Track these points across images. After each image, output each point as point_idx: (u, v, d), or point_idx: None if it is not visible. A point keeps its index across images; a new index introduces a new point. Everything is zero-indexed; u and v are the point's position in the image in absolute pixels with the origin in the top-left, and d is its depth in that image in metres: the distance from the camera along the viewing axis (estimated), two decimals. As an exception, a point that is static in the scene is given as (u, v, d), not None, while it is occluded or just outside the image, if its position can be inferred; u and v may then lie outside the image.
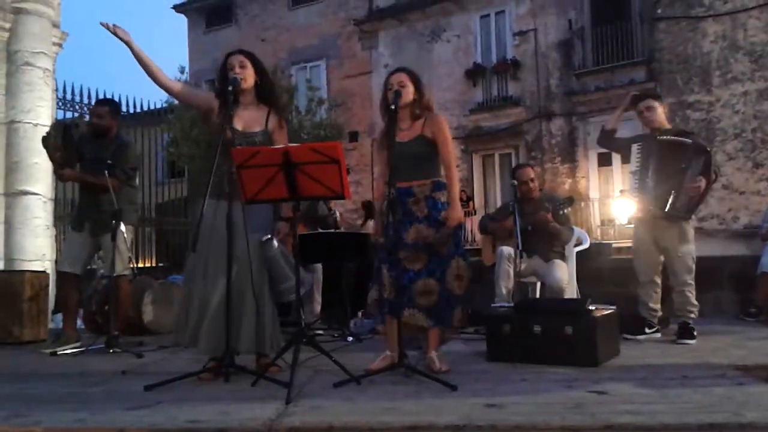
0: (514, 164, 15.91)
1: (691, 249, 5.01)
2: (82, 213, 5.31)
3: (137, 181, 5.66)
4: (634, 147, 5.19)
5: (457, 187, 3.92)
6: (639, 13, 15.26)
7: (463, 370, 3.80)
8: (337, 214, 6.50)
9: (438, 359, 3.81)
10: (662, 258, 5.13)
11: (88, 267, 5.86)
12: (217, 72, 3.98)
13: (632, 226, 5.45)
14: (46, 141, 5.18)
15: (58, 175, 5.32)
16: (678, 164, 4.91)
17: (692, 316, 4.96)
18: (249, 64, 3.83)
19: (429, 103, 4.00)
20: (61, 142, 5.14)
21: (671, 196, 4.89)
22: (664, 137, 5.06)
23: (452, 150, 4.02)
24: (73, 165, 5.23)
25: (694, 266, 5.01)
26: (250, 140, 3.75)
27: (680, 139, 5.03)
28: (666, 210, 4.92)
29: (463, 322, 3.91)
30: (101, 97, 10.32)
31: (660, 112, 5.21)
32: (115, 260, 5.04)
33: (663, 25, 14.41)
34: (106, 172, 4.95)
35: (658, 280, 5.17)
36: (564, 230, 5.46)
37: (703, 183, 4.86)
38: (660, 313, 5.18)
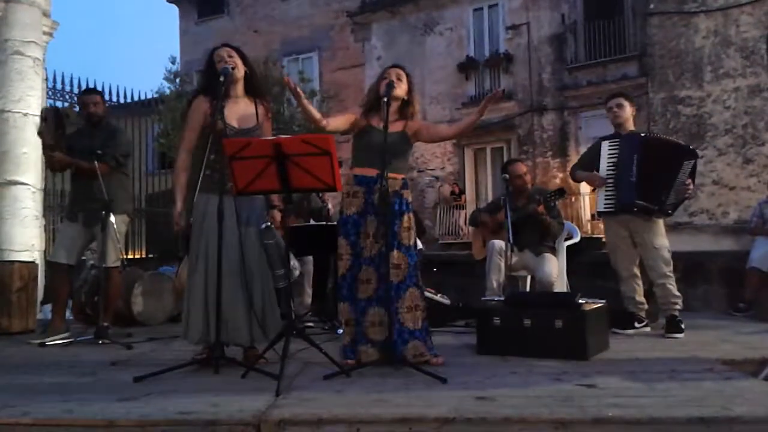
0: (506, 158, 15.97)
1: (666, 242, 5.06)
2: (74, 203, 5.28)
3: (129, 168, 5.61)
4: (606, 144, 5.16)
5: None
6: (631, 8, 15.27)
7: (453, 362, 3.80)
8: (330, 206, 6.50)
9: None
10: (637, 252, 5.15)
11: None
12: (203, 67, 3.96)
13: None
14: (40, 129, 5.13)
15: (49, 158, 5.22)
16: (666, 162, 4.93)
17: (677, 307, 4.98)
18: (237, 56, 3.87)
19: (415, 110, 3.98)
20: (54, 127, 5.09)
21: (663, 193, 4.90)
22: (648, 135, 5.10)
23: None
24: (59, 150, 5.16)
25: (670, 258, 5.04)
26: (249, 136, 3.75)
27: (671, 139, 5.08)
28: (659, 206, 4.93)
29: (420, 358, 3.69)
30: (92, 86, 10.27)
31: (629, 112, 5.21)
32: (107, 251, 5.02)
33: (655, 20, 14.41)
34: (96, 163, 4.92)
35: (638, 272, 5.19)
36: (554, 224, 5.48)
37: (691, 186, 4.95)
38: (647, 306, 5.20)
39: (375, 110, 3.89)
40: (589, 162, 5.29)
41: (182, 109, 13.58)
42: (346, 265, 3.81)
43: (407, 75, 3.95)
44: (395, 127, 3.86)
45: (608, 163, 5.10)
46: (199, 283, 3.66)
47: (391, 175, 3.73)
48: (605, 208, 5.12)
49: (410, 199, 3.91)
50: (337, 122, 3.95)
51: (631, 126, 5.25)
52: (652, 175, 4.92)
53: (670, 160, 4.95)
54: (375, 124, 3.84)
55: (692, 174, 4.96)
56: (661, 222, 5.08)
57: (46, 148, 5.13)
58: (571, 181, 6.43)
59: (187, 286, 3.78)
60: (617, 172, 5.04)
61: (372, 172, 3.75)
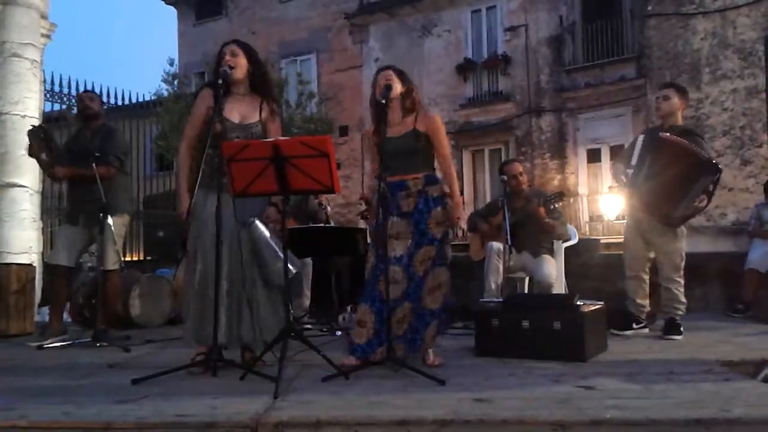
0: (503, 160, 15.97)
1: (680, 247, 4.96)
2: (75, 206, 5.27)
3: (128, 167, 5.60)
4: (641, 138, 5.03)
5: (456, 186, 3.95)
6: (629, 9, 15.31)
7: (452, 364, 3.80)
8: (328, 208, 6.49)
9: (432, 353, 3.84)
10: (651, 254, 5.12)
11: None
12: (212, 64, 3.96)
13: (620, 222, 5.42)
14: (30, 149, 5.12)
15: (51, 175, 5.23)
16: (679, 170, 4.70)
17: (679, 313, 4.94)
18: (241, 53, 3.82)
19: (418, 97, 3.99)
20: (44, 142, 5.09)
21: (670, 204, 4.76)
22: (666, 135, 4.81)
23: (448, 151, 4.03)
24: (60, 162, 5.16)
25: (682, 264, 4.97)
26: (248, 132, 3.76)
27: (693, 148, 4.72)
28: (661, 217, 4.84)
29: (436, 339, 3.89)
30: (90, 88, 10.28)
31: (674, 104, 5.04)
32: (107, 254, 5.01)
33: (653, 22, 14.44)
34: (94, 164, 4.91)
35: (645, 276, 5.14)
36: (558, 225, 5.46)
37: (705, 203, 4.75)
38: (647, 309, 5.19)
39: (383, 120, 3.89)
40: (628, 154, 5.13)
41: (180, 111, 13.62)
42: (370, 266, 3.89)
43: (395, 70, 3.95)
44: (405, 126, 3.89)
45: (635, 160, 4.95)
46: (190, 283, 3.68)
47: (410, 177, 3.84)
48: (624, 206, 5.08)
49: (436, 194, 3.87)
50: (371, 155, 4.01)
51: (676, 120, 5.06)
52: (661, 181, 4.75)
53: (687, 171, 4.70)
54: (387, 133, 3.85)
55: (713, 188, 4.75)
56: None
57: (46, 167, 5.13)
58: (569, 184, 6.40)
59: (186, 285, 3.77)
60: (634, 171, 4.93)
61: (393, 178, 3.76)
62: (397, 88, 3.88)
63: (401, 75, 3.95)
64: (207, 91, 3.86)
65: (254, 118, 3.84)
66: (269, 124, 3.89)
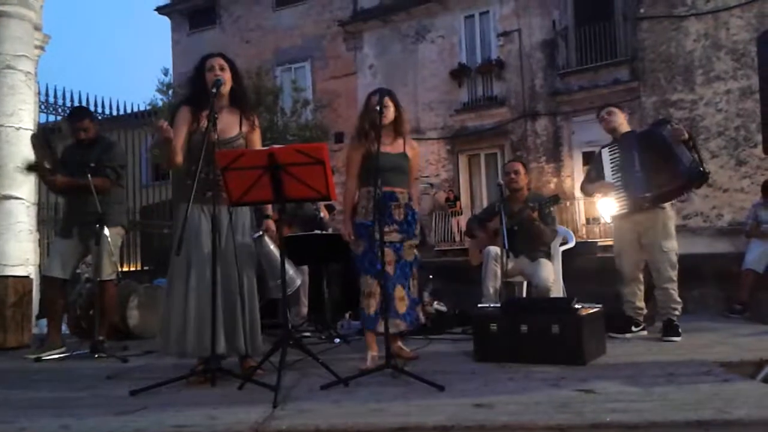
0: (500, 164, 16.02)
1: (675, 245, 5.03)
2: (69, 219, 5.25)
3: (124, 180, 5.58)
4: (605, 150, 5.21)
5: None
6: (622, 12, 15.36)
7: (451, 370, 3.80)
8: (323, 214, 6.46)
9: (404, 346, 4.34)
10: (643, 255, 5.14)
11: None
12: (191, 76, 3.93)
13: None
14: (35, 150, 5.10)
15: (50, 183, 5.19)
16: (663, 150, 4.91)
17: (676, 313, 4.97)
18: (227, 67, 3.85)
19: (407, 125, 4.34)
20: (48, 150, 5.08)
21: (680, 163, 4.89)
22: (645, 131, 5.09)
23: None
24: (57, 172, 5.14)
25: (677, 262, 5.02)
26: (230, 145, 3.77)
27: (657, 129, 5.10)
28: (692, 171, 4.91)
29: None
30: (84, 100, 10.28)
31: (621, 118, 5.27)
32: (103, 264, 5.00)
33: (646, 25, 14.47)
34: (89, 175, 4.90)
35: (641, 278, 5.19)
36: (546, 230, 5.45)
37: (680, 125, 5.01)
38: (645, 311, 5.20)
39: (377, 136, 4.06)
40: (596, 174, 5.33)
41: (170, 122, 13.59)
42: (360, 245, 4.16)
43: (390, 95, 4.21)
44: (396, 147, 4.20)
45: (612, 168, 5.12)
46: (179, 294, 3.64)
47: (399, 190, 4.19)
48: (619, 211, 5.14)
49: (414, 208, 4.32)
50: (352, 177, 4.28)
51: (625, 129, 5.27)
52: (655, 161, 4.93)
53: (666, 146, 4.92)
54: (374, 149, 4.04)
55: (677, 130, 4.94)
56: (670, 222, 5.04)
57: (46, 173, 5.10)
58: (565, 187, 6.39)
59: (166, 298, 3.74)
60: (623, 174, 5.05)
61: (388, 189, 4.10)
62: (391, 112, 4.15)
63: (395, 101, 4.21)
64: (185, 108, 3.84)
65: (235, 131, 3.86)
66: (250, 135, 3.94)
